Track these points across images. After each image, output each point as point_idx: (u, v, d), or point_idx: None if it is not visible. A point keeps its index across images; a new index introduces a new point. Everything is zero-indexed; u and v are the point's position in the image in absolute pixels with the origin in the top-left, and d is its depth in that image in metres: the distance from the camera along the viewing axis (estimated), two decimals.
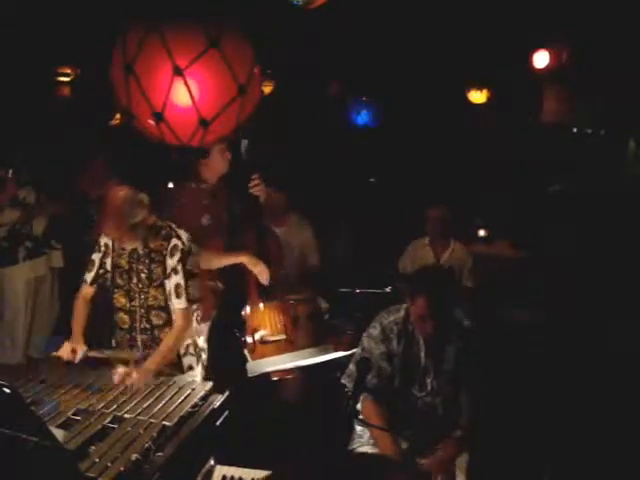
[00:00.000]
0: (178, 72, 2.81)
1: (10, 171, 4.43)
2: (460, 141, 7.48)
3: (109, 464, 1.97)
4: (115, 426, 2.24)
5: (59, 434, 2.09)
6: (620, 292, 5.31)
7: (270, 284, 3.58)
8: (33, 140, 5.08)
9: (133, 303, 3.04)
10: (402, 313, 2.88)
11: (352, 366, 2.91)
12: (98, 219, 2.88)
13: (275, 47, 4.15)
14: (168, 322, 3.01)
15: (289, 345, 3.61)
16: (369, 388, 2.83)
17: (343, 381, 2.91)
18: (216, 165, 3.59)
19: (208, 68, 2.87)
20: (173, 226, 3.00)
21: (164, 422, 2.25)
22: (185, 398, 2.47)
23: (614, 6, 4.90)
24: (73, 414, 2.32)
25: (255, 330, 3.64)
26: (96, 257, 3.09)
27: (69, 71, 6.53)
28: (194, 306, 3.07)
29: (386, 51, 5.99)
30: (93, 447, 2.09)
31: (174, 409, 2.37)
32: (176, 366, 3.05)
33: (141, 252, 2.98)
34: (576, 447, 3.67)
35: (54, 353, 2.89)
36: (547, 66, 6.11)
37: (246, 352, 3.62)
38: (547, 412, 4.01)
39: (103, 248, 3.09)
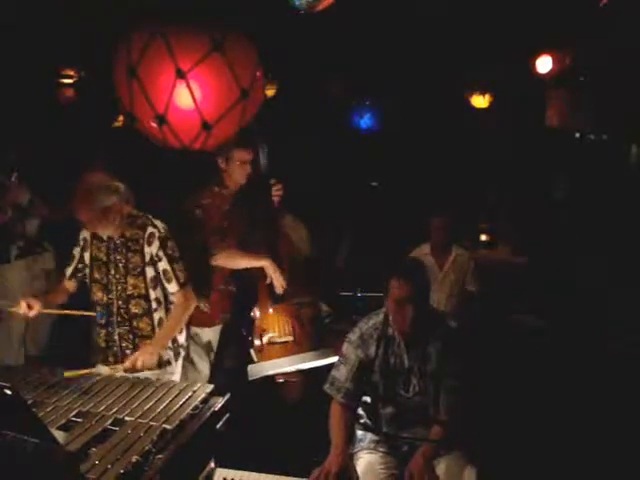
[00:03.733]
0: (181, 75, 2.82)
1: (14, 175, 4.43)
2: (463, 145, 7.48)
3: (109, 466, 1.97)
4: (116, 429, 2.24)
5: (60, 436, 2.10)
6: (622, 296, 5.30)
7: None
8: (35, 142, 5.09)
9: (110, 296, 3.05)
10: (381, 317, 2.90)
11: (334, 372, 2.92)
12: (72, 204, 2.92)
13: (278, 51, 4.16)
14: (147, 311, 3.04)
15: (296, 347, 3.64)
16: (341, 390, 2.85)
17: (325, 389, 2.92)
18: (234, 175, 3.66)
19: (211, 71, 2.87)
20: (149, 216, 3.04)
21: (165, 425, 2.25)
22: (186, 401, 2.47)
23: (617, 11, 4.90)
24: (74, 416, 2.33)
25: (264, 331, 3.67)
26: (76, 251, 3.14)
27: (72, 73, 6.54)
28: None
29: (390, 55, 6.00)
30: (94, 449, 2.09)
31: (175, 412, 2.37)
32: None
33: (118, 242, 3.01)
34: (574, 449, 3.67)
35: (9, 308, 2.94)
36: (550, 71, 6.12)
37: (252, 352, 3.65)
38: (549, 415, 4.00)
39: (82, 242, 3.12)
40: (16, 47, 4.99)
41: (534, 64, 6.15)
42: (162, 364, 3.08)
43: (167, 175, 4.77)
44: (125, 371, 2.79)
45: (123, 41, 2.92)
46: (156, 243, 2.96)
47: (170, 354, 3.12)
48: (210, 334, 3.75)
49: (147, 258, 2.97)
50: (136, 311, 3.03)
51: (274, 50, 3.67)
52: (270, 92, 6.83)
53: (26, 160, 4.69)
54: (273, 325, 3.72)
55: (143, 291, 3.02)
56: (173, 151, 3.16)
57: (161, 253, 2.96)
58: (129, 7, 3.12)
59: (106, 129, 6.50)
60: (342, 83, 7.42)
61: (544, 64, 6.12)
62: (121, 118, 6.29)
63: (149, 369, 2.87)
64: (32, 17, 4.63)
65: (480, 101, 7.47)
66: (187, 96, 2.87)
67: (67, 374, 2.63)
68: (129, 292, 3.02)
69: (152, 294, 3.03)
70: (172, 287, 3.00)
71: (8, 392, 1.78)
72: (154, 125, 2.99)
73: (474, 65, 6.30)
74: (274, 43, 3.79)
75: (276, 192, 3.81)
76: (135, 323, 3.04)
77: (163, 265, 2.97)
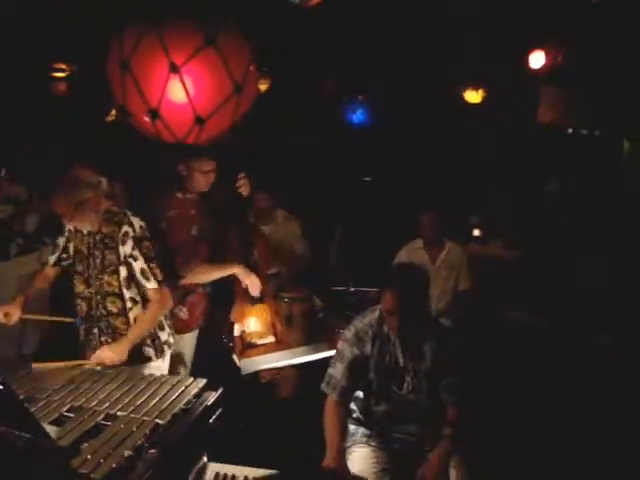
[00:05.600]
0: (174, 69, 2.80)
1: (3, 170, 4.41)
2: (456, 140, 7.49)
3: (101, 461, 1.97)
4: (108, 423, 2.23)
5: (52, 431, 2.09)
6: (617, 291, 5.32)
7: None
8: (28, 137, 5.06)
9: (90, 290, 3.05)
10: (376, 314, 2.90)
11: (331, 370, 2.92)
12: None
13: (272, 45, 4.14)
14: (123, 310, 3.02)
15: (278, 346, 3.57)
16: (337, 388, 2.85)
17: (322, 388, 2.92)
18: (196, 184, 3.47)
19: (204, 66, 2.86)
20: (128, 213, 3.00)
21: (157, 420, 2.25)
22: (178, 395, 2.46)
23: (609, 7, 4.91)
24: (66, 411, 2.32)
25: (243, 332, 3.61)
26: (61, 241, 3.17)
27: (65, 67, 6.50)
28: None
29: (382, 50, 6.00)
30: (86, 444, 2.08)
31: (167, 406, 2.36)
32: (135, 355, 3.01)
33: (97, 238, 3.00)
34: (572, 448, 3.69)
35: None
36: (543, 66, 6.13)
37: (235, 357, 3.59)
38: (543, 412, 4.02)
39: (67, 233, 3.15)
40: (7, 42, 4.96)
41: (527, 59, 6.15)
42: (142, 360, 3.05)
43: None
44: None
45: (117, 35, 2.91)
46: (130, 243, 2.92)
47: (151, 351, 3.09)
48: (189, 340, 3.62)
49: (122, 257, 2.95)
50: (112, 309, 3.02)
51: (268, 46, 3.65)
52: (263, 87, 6.81)
53: (21, 155, 4.67)
54: (252, 326, 3.63)
55: (117, 290, 3.00)
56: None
57: (136, 253, 2.92)
58: (123, 2, 3.09)
59: (99, 123, 6.48)
60: (335, 80, 7.41)
61: (537, 60, 6.13)
62: (114, 112, 6.27)
63: (118, 364, 2.82)
64: (25, 12, 4.60)
65: (473, 96, 7.48)
66: (180, 90, 2.86)
67: (35, 365, 2.71)
68: (105, 289, 3.01)
69: (126, 293, 3.01)
70: (151, 284, 2.95)
71: (0, 387, 1.78)
72: (147, 119, 2.98)
73: (468, 61, 6.30)
74: (268, 39, 3.77)
75: (242, 187, 3.61)
76: (112, 320, 3.03)
77: (140, 264, 2.93)
